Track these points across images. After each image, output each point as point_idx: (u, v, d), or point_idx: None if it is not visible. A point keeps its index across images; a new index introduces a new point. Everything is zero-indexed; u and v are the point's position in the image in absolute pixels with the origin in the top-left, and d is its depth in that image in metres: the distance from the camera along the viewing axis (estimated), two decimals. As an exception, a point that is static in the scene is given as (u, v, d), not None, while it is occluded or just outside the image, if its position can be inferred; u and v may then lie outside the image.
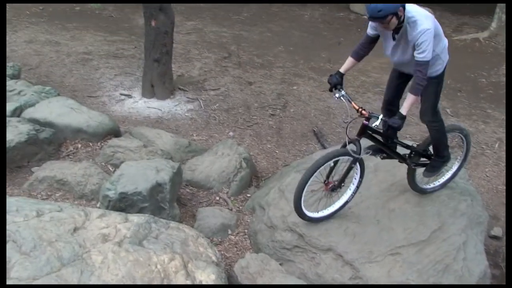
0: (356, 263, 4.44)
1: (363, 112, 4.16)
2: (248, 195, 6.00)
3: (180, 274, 3.54)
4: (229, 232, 5.23)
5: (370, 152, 4.59)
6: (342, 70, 4.40)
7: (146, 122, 7.61)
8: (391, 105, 4.73)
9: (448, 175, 5.16)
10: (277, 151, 7.22)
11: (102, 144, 6.31)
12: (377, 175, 5.33)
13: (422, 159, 4.88)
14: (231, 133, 7.57)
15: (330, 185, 4.55)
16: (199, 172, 5.96)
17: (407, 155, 4.79)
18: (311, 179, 4.29)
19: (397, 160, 4.82)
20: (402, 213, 4.87)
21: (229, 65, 10.09)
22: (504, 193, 6.57)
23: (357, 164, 4.45)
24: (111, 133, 6.52)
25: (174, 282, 3.47)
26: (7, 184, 5.30)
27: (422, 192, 5.05)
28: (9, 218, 3.70)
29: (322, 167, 4.29)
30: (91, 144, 6.28)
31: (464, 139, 5.07)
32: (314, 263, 4.55)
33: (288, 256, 4.69)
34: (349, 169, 4.44)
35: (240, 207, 5.74)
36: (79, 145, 6.22)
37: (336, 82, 4.34)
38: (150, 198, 4.80)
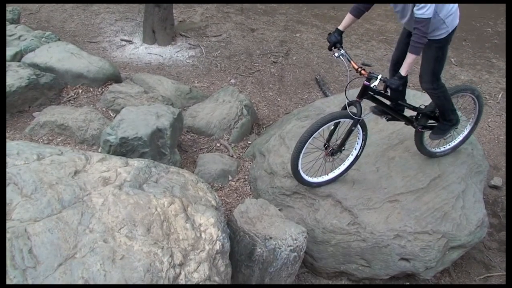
0: (355, 209, 4.49)
1: (363, 71, 4.02)
2: (249, 142, 6.00)
3: (179, 217, 3.57)
4: (229, 178, 5.26)
5: (375, 112, 4.55)
6: (341, 27, 4.24)
7: (147, 68, 7.56)
8: (396, 65, 4.47)
9: (459, 138, 5.03)
10: (278, 99, 7.19)
11: (103, 89, 6.28)
12: (377, 123, 5.32)
13: (430, 121, 4.71)
14: (232, 80, 7.52)
15: (330, 149, 4.46)
16: (200, 118, 5.95)
17: (413, 117, 4.66)
18: (307, 142, 4.21)
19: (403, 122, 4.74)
20: (402, 161, 4.88)
21: (231, 11, 9.94)
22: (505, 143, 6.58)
23: (358, 126, 4.33)
24: (112, 79, 6.48)
25: (174, 224, 3.50)
26: (8, 129, 5.31)
27: (432, 155, 4.93)
28: (10, 161, 3.70)
29: (319, 130, 4.18)
30: (91, 89, 6.25)
31: (476, 100, 4.86)
32: (313, 209, 4.60)
33: (287, 202, 4.74)
34: (349, 132, 4.33)
35: (241, 154, 5.75)
36: (80, 91, 6.19)
37: (335, 41, 4.21)
38: (151, 144, 4.81)
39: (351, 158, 4.60)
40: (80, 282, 2.94)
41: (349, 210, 4.50)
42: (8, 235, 3.03)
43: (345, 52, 4.14)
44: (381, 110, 4.52)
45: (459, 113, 4.78)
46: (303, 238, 4.13)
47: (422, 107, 4.66)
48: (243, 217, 4.24)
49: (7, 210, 3.28)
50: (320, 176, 4.66)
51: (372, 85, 3.98)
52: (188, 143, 5.72)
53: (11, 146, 3.94)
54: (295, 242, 4.06)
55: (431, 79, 4.28)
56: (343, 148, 4.48)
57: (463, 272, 4.88)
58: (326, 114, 4.31)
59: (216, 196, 4.12)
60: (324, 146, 4.47)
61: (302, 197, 4.63)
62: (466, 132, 5.03)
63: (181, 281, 3.22)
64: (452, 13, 4.02)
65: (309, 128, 4.21)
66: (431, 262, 4.36)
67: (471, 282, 4.77)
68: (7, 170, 3.58)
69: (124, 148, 4.74)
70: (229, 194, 5.06)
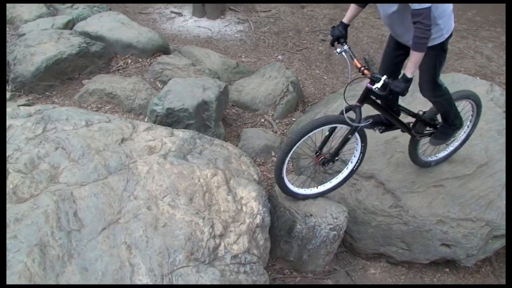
0: (398, 192, 4.43)
1: (366, 71, 3.53)
2: (293, 119, 5.98)
3: (222, 189, 3.60)
4: (272, 154, 5.27)
5: (369, 123, 3.99)
6: (345, 20, 3.76)
7: (195, 41, 7.59)
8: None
9: (454, 145, 4.63)
10: (325, 77, 7.12)
11: (151, 60, 6.34)
12: (426, 105, 5.21)
13: (428, 128, 4.30)
14: (280, 57, 7.48)
15: (321, 158, 4.00)
16: (246, 93, 5.95)
17: (411, 124, 4.24)
18: (295, 146, 3.74)
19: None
20: (449, 146, 4.78)
21: (281, -14, 9.85)
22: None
23: (357, 135, 3.92)
24: (161, 50, 6.54)
25: (216, 196, 3.54)
26: (58, 95, 5.44)
27: (425, 165, 4.58)
28: (59, 126, 3.79)
29: (310, 134, 3.72)
30: (140, 60, 6.33)
31: (475, 106, 4.43)
32: (355, 189, 4.56)
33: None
34: (345, 140, 3.86)
35: (285, 130, 5.74)
36: (129, 61, 6.27)
37: (339, 35, 3.72)
38: (196, 116, 4.84)
39: (345, 172, 4.27)
40: (123, 247, 3.01)
41: (392, 192, 4.45)
42: (54, 198, 3.11)
43: (349, 48, 3.66)
44: (378, 121, 4.08)
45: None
46: (344, 218, 4.11)
47: (421, 113, 4.20)
48: (284, 193, 4.24)
49: (54, 174, 3.37)
50: (308, 187, 4.32)
51: (374, 88, 3.41)
52: (233, 117, 5.74)
53: (61, 111, 4.04)
54: (335, 220, 4.05)
55: (431, 87, 3.85)
56: (336, 158, 4.04)
57: (505, 262, 4.77)
58: (321, 116, 4.03)
59: (259, 171, 4.14)
60: (316, 153, 4.04)
61: (344, 177, 4.59)
62: (462, 137, 4.63)
63: (221, 251, 3.26)
64: (446, 14, 3.53)
65: (298, 130, 3.77)
66: (472, 250, 4.28)
67: (513, 273, 4.66)
68: (56, 135, 3.67)
69: (170, 119, 4.79)
70: (271, 170, 5.06)
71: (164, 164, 3.59)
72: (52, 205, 3.07)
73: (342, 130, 3.88)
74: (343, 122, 3.72)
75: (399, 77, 3.49)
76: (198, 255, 3.13)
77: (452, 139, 4.45)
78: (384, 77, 3.38)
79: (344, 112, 3.66)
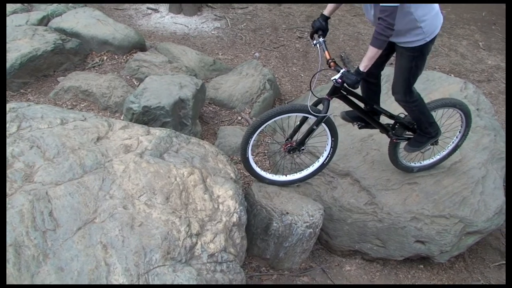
0: (373, 189, 4.48)
1: (332, 63, 3.64)
2: (270, 116, 5.99)
3: (198, 187, 3.60)
4: (249, 151, 5.28)
5: (344, 118, 4.22)
6: (326, 12, 3.79)
7: (172, 38, 7.55)
8: (368, 76, 4.00)
9: (440, 155, 4.64)
10: (302, 75, 7.14)
11: (128, 57, 6.30)
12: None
13: (407, 132, 4.31)
14: (256, 54, 7.49)
15: (288, 145, 4.17)
16: (223, 91, 5.95)
17: (390, 126, 4.28)
18: (259, 129, 3.94)
19: (378, 130, 4.33)
20: (424, 144, 4.84)
21: (258, -17, 9.85)
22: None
23: (327, 130, 4.06)
24: (137, 47, 6.50)
25: (192, 195, 3.54)
26: (33, 92, 5.37)
27: (406, 170, 4.58)
28: (34, 124, 3.76)
29: (274, 119, 3.89)
30: (116, 56, 6.28)
31: (462, 116, 4.40)
32: (331, 186, 4.60)
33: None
34: (310, 131, 4.01)
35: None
36: (105, 57, 6.22)
37: (319, 27, 3.78)
38: (173, 114, 4.83)
39: (316, 165, 4.39)
40: (99, 247, 3.00)
41: (367, 189, 4.50)
42: (29, 197, 3.09)
43: (324, 41, 3.74)
44: (353, 116, 4.19)
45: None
46: (320, 215, 4.15)
47: (402, 115, 4.21)
48: (261, 191, 4.26)
49: (29, 173, 3.34)
50: (277, 174, 4.47)
51: (332, 79, 3.54)
52: (210, 115, 5.73)
53: (36, 109, 4.00)
54: (311, 218, 4.09)
55: (403, 90, 3.81)
56: (302, 148, 4.19)
57: (478, 258, 4.86)
58: (283, 105, 4.09)
59: (235, 169, 4.15)
60: (286, 141, 4.22)
61: (320, 174, 4.61)
62: (449, 147, 4.63)
63: (197, 250, 3.26)
64: (429, 18, 3.49)
65: (263, 115, 3.94)
66: (446, 246, 4.36)
67: (485, 269, 4.75)
68: (31, 133, 3.63)
69: (147, 117, 4.77)
70: (248, 168, 5.08)
71: (140, 163, 3.58)
72: (27, 205, 3.05)
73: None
74: (307, 111, 3.84)
75: (354, 70, 3.53)
76: (174, 254, 3.14)
77: (426, 148, 4.40)
78: (343, 69, 3.50)
79: (308, 103, 3.80)
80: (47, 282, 2.78)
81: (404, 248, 4.41)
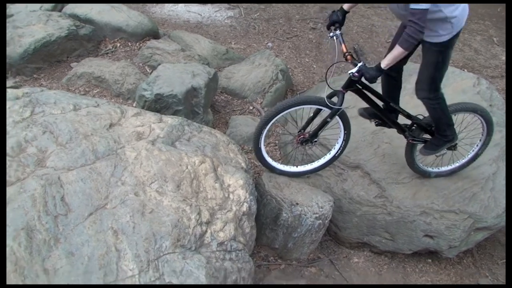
0: (383, 182, 4.48)
1: (349, 57, 3.65)
2: (282, 107, 5.99)
3: (209, 176, 3.62)
4: (260, 142, 5.29)
5: (362, 115, 4.21)
6: (345, 7, 3.82)
7: (185, 26, 7.55)
8: (391, 70, 3.82)
9: (460, 162, 4.55)
10: (314, 66, 7.12)
11: (141, 44, 6.31)
12: (413, 97, 5.24)
13: (424, 134, 4.24)
14: (269, 44, 7.47)
15: (301, 137, 4.18)
16: (235, 80, 5.95)
17: (407, 126, 4.24)
18: (273, 120, 3.98)
19: (396, 130, 4.30)
20: (435, 138, 4.82)
21: (273, -28, 9.81)
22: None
23: (340, 122, 4.07)
24: (150, 35, 6.50)
25: (203, 183, 3.55)
26: (46, 78, 5.40)
27: (424, 174, 4.52)
28: (47, 109, 3.78)
29: (288, 110, 3.92)
30: (129, 44, 6.29)
31: (484, 123, 4.29)
32: (341, 178, 4.60)
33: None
34: (324, 123, 4.00)
35: (273, 118, 5.75)
36: (118, 44, 6.23)
37: (335, 20, 3.79)
38: (185, 102, 4.84)
39: (327, 157, 4.40)
40: (109, 233, 3.02)
41: (377, 182, 4.50)
42: (42, 182, 3.11)
43: (341, 34, 3.75)
44: (370, 113, 4.17)
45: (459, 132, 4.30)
46: (329, 207, 4.16)
47: (420, 117, 4.18)
48: (271, 181, 4.28)
49: (41, 158, 3.36)
50: (288, 165, 4.50)
51: (349, 72, 3.57)
52: (222, 104, 5.74)
53: (49, 95, 4.02)
54: (321, 210, 4.10)
55: (428, 87, 3.78)
56: (315, 140, 4.21)
57: (486, 254, 4.85)
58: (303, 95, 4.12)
59: (246, 159, 4.16)
60: (298, 132, 4.23)
61: (331, 166, 4.61)
62: (469, 156, 4.53)
63: (207, 238, 3.28)
64: (459, 12, 3.48)
65: (277, 105, 3.98)
66: (455, 241, 4.36)
67: (493, 265, 4.75)
68: (44, 118, 3.66)
69: (159, 105, 4.79)
70: (259, 158, 5.10)
71: (152, 150, 3.60)
72: (39, 189, 3.07)
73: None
74: (322, 103, 3.86)
75: (375, 65, 3.52)
76: (184, 241, 3.16)
77: (442, 151, 4.36)
78: (361, 63, 3.49)
79: (324, 95, 3.81)
80: (57, 267, 2.81)
81: (413, 242, 4.42)
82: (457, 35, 3.59)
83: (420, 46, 3.76)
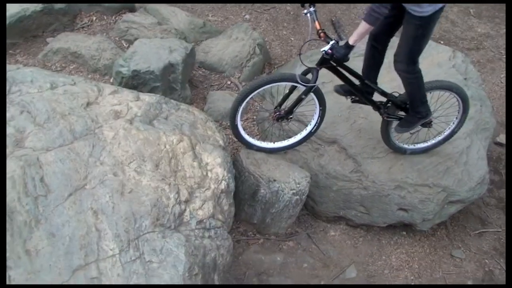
0: (359, 157, 4.57)
1: (322, 34, 3.69)
2: (260, 81, 6.00)
3: (187, 155, 3.66)
4: (238, 117, 5.32)
5: (338, 91, 4.28)
6: None
7: (161, -3, 7.44)
8: (375, 41, 4.01)
9: (435, 139, 4.62)
10: (292, 38, 7.11)
11: (117, 18, 6.22)
12: (390, 71, 5.29)
13: (399, 112, 4.28)
14: (247, 16, 7.41)
15: (277, 114, 4.25)
16: (212, 54, 5.93)
17: (382, 104, 4.27)
18: (248, 97, 4.06)
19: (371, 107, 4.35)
20: (411, 113, 4.89)
21: None
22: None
23: (315, 99, 4.12)
24: (126, 8, 6.40)
25: (182, 162, 3.59)
26: (21, 53, 5.33)
27: (399, 150, 4.59)
28: (23, 88, 3.76)
29: (263, 87, 4.00)
30: (105, 17, 6.20)
31: (460, 101, 4.34)
32: (318, 154, 4.67)
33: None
34: (299, 100, 4.08)
35: (251, 93, 5.77)
36: (94, 18, 6.14)
37: None
38: (162, 78, 4.83)
39: (304, 133, 4.46)
40: (89, 213, 3.07)
41: (353, 157, 4.58)
42: (20, 163, 3.13)
43: (315, 10, 3.75)
44: (346, 90, 4.22)
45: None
46: (306, 183, 4.24)
47: (396, 94, 4.21)
48: (249, 158, 4.33)
49: (20, 138, 3.37)
50: (265, 141, 4.58)
51: (321, 50, 3.63)
52: (199, 79, 5.74)
53: (25, 73, 3.99)
54: (298, 186, 4.18)
55: (406, 60, 3.78)
56: (290, 116, 4.28)
57: (460, 226, 5.01)
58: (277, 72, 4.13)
59: (224, 136, 4.20)
60: (274, 108, 4.29)
61: (307, 142, 4.66)
62: (445, 133, 4.59)
63: (186, 217, 3.35)
64: None
65: (253, 82, 4.05)
66: (428, 215, 4.49)
67: (466, 236, 4.91)
68: (21, 97, 3.64)
69: (136, 81, 4.77)
70: (237, 133, 5.13)
71: (130, 129, 3.62)
72: (19, 171, 3.09)
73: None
74: (296, 81, 3.91)
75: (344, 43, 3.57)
76: (164, 220, 3.22)
77: (416, 128, 4.38)
78: (333, 41, 3.56)
79: (297, 72, 3.87)
80: (39, 248, 2.86)
81: (388, 215, 4.54)
82: (440, 10, 3.58)
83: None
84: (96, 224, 3.05)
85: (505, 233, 4.98)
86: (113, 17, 6.25)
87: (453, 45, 7.43)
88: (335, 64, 3.87)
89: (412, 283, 4.46)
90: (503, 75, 7.06)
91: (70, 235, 2.97)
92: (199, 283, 3.13)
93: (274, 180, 4.14)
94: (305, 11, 3.80)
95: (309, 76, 3.91)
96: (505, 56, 7.42)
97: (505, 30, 8.02)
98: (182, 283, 2.99)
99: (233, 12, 7.43)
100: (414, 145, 4.63)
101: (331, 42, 3.56)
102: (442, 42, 7.39)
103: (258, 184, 4.15)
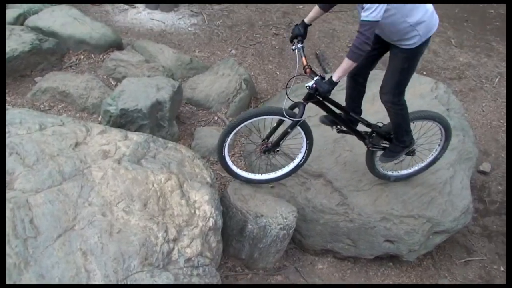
0: (345, 190, 4.64)
1: (307, 70, 3.79)
2: (246, 116, 6.09)
3: (175, 193, 3.71)
4: (225, 152, 5.39)
5: (324, 122, 4.36)
6: (306, 20, 3.93)
7: (148, 34, 7.57)
8: (356, 74, 4.13)
9: (418, 166, 4.72)
10: (278, 72, 7.25)
11: (104, 56, 6.34)
12: (374, 104, 5.40)
13: (383, 141, 4.38)
14: (233, 51, 7.56)
15: (264, 146, 4.32)
16: (199, 91, 6.03)
17: (367, 134, 4.36)
18: (235, 129, 4.12)
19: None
20: (394, 145, 4.99)
21: (235, -21, 9.88)
22: (498, 129, 6.70)
23: (302, 133, 4.20)
24: (114, 46, 6.53)
25: (169, 201, 3.65)
26: (10, 93, 5.40)
27: (383, 178, 4.68)
28: (12, 130, 3.81)
29: (250, 120, 4.05)
30: (93, 56, 6.31)
31: (442, 129, 4.45)
32: (305, 187, 4.74)
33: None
34: (285, 133, 4.13)
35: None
36: (82, 56, 6.25)
37: (298, 33, 3.91)
38: (150, 116, 4.91)
39: (291, 166, 4.53)
40: (78, 254, 3.11)
41: (339, 190, 4.65)
42: (10, 205, 3.18)
43: (302, 47, 3.90)
44: (331, 120, 4.29)
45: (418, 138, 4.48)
46: (293, 217, 4.29)
47: (380, 124, 4.32)
48: (237, 193, 4.39)
49: (9, 180, 3.41)
50: (253, 172, 4.65)
51: (306, 86, 3.69)
52: (187, 115, 5.82)
53: (14, 114, 4.05)
54: (285, 220, 4.23)
55: (393, 91, 3.88)
56: (277, 149, 4.35)
57: (445, 255, 5.07)
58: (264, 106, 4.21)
59: (212, 173, 4.26)
60: (262, 141, 4.36)
61: (294, 176, 4.73)
62: (428, 160, 4.69)
63: (175, 255, 3.39)
64: (425, 19, 3.55)
65: (240, 116, 4.13)
66: (414, 245, 4.55)
67: (452, 265, 4.97)
68: (10, 139, 3.70)
69: (124, 119, 4.84)
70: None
71: (118, 169, 3.68)
72: (8, 213, 3.13)
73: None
74: (282, 115, 3.95)
75: (327, 78, 3.65)
76: (152, 260, 3.26)
77: (400, 158, 4.49)
78: (317, 77, 3.62)
79: (284, 107, 3.91)
80: (29, 290, 2.88)
81: (374, 247, 4.60)
82: (426, 42, 3.69)
83: (388, 52, 3.90)
84: (85, 265, 3.09)
85: (491, 261, 5.07)
86: (101, 55, 6.36)
87: (436, 75, 7.60)
88: (321, 98, 3.94)
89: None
90: (485, 103, 7.23)
91: (60, 277, 3.00)
92: (188, 322, 3.16)
93: (262, 216, 4.19)
94: (293, 47, 3.93)
95: (296, 110, 3.99)
96: (487, 85, 7.60)
97: (485, 59, 8.23)
98: (171, 322, 3.03)
99: (219, 47, 7.58)
100: (398, 172, 4.72)
101: (315, 78, 3.63)
102: (424, 73, 7.57)
103: (245, 219, 4.20)
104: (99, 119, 5.11)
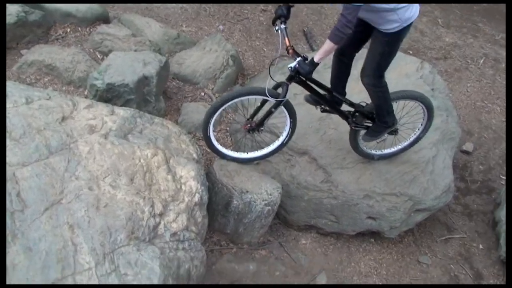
0: (329, 167, 4.71)
1: (290, 51, 3.80)
2: (233, 92, 6.10)
3: (162, 169, 3.75)
4: (212, 128, 5.41)
5: (308, 101, 4.40)
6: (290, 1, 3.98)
7: (135, 7, 7.50)
8: (341, 55, 4.17)
9: (401, 145, 4.78)
10: (265, 49, 7.24)
11: (91, 30, 6.28)
12: (359, 83, 5.43)
13: (366, 121, 4.43)
14: (220, 27, 7.52)
15: (248, 126, 4.37)
16: (186, 66, 6.02)
17: (350, 113, 4.42)
18: (219, 110, 4.15)
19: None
20: (379, 124, 5.05)
21: (224, -47, 9.78)
22: (481, 110, 6.79)
23: (285, 112, 4.25)
24: (100, 19, 6.46)
25: (156, 176, 3.69)
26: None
27: (367, 156, 4.75)
28: (-1, 103, 3.82)
29: (234, 100, 4.11)
30: (79, 29, 6.25)
31: (424, 109, 4.51)
32: (289, 164, 4.80)
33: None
34: (268, 113, 4.21)
35: (224, 104, 5.87)
36: (68, 30, 6.19)
37: (281, 14, 3.93)
38: (137, 91, 4.90)
39: (276, 144, 4.58)
40: (65, 227, 3.15)
41: (323, 168, 4.72)
42: (-3, 178, 3.19)
43: (285, 28, 3.89)
44: (316, 100, 4.32)
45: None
46: (278, 194, 4.36)
47: (363, 104, 4.38)
48: (222, 169, 4.44)
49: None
50: (238, 151, 4.71)
51: (288, 66, 3.76)
52: (173, 90, 5.82)
53: (0, 87, 4.04)
54: (269, 197, 4.30)
55: (373, 74, 3.95)
56: (261, 128, 4.39)
57: (426, 233, 5.18)
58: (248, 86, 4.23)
59: (198, 149, 4.30)
60: (246, 120, 4.41)
61: (279, 153, 4.78)
62: (411, 139, 4.76)
63: (161, 230, 3.45)
64: (405, 4, 3.56)
65: (224, 96, 4.20)
66: (396, 223, 4.65)
67: (433, 242, 5.09)
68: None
69: (110, 94, 4.83)
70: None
71: (105, 144, 3.70)
72: (6, 241, 3.13)
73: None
74: (263, 94, 4.02)
75: (309, 59, 3.70)
76: (138, 234, 3.31)
77: (383, 137, 4.56)
78: (299, 58, 3.67)
79: (266, 87, 3.95)
80: (16, 262, 2.93)
81: (356, 223, 4.69)
82: (407, 27, 3.72)
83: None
84: (72, 238, 3.13)
85: (470, 239, 5.19)
86: (88, 28, 6.30)
87: (422, 55, 7.64)
88: (304, 79, 3.98)
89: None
90: (470, 84, 7.29)
91: (47, 249, 3.04)
92: (173, 294, 3.23)
93: (247, 192, 4.25)
94: (277, 27, 3.92)
95: (279, 90, 4.03)
96: (472, 66, 7.66)
97: (471, 40, 8.28)
98: (157, 295, 3.09)
99: (207, 22, 7.53)
100: (382, 151, 4.78)
101: (298, 59, 3.68)
102: (411, 52, 7.60)
103: (231, 195, 4.26)
104: (86, 93, 5.10)
